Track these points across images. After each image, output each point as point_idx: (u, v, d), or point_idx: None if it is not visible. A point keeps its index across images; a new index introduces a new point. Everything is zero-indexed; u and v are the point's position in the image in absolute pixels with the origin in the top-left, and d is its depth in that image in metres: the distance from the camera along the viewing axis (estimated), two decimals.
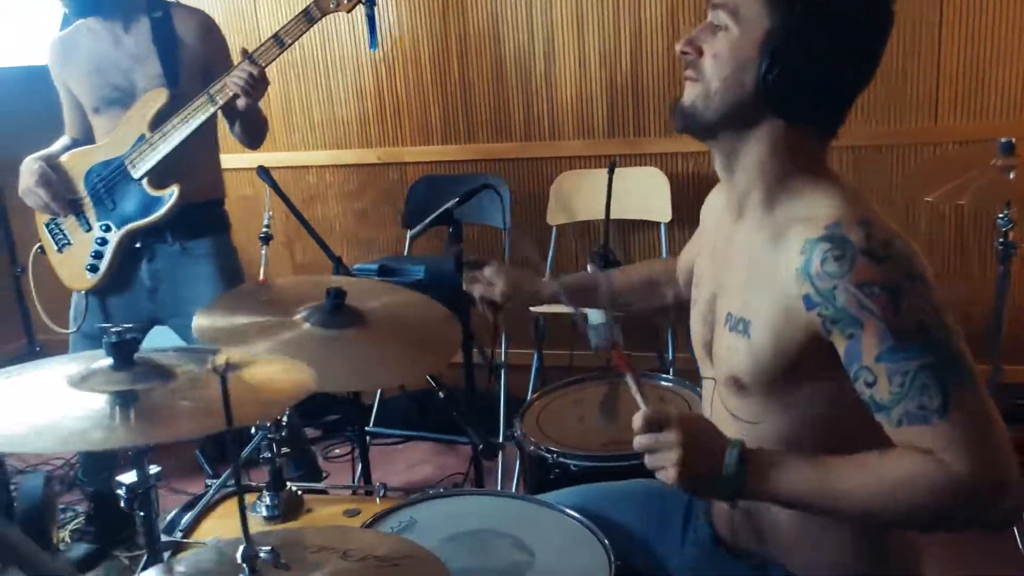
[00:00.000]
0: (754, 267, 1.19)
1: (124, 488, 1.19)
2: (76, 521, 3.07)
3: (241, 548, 0.93)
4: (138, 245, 2.53)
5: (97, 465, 2.85)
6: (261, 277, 3.66)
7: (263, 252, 3.44)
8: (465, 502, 1.49)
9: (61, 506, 3.16)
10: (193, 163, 2.53)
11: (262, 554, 0.92)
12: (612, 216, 3.20)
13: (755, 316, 1.17)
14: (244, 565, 0.92)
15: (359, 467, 2.63)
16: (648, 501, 1.48)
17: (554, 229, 3.17)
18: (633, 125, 3.16)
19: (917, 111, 2.94)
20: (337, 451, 3.41)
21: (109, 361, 1.17)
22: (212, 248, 2.58)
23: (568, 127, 3.24)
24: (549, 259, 3.18)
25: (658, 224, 3.09)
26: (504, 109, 3.28)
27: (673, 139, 3.08)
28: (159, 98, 2.46)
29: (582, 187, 3.11)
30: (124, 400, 1.14)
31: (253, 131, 2.62)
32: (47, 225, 2.56)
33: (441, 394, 1.89)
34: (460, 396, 2.76)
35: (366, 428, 3.13)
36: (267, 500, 1.75)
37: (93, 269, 2.52)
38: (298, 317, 1.77)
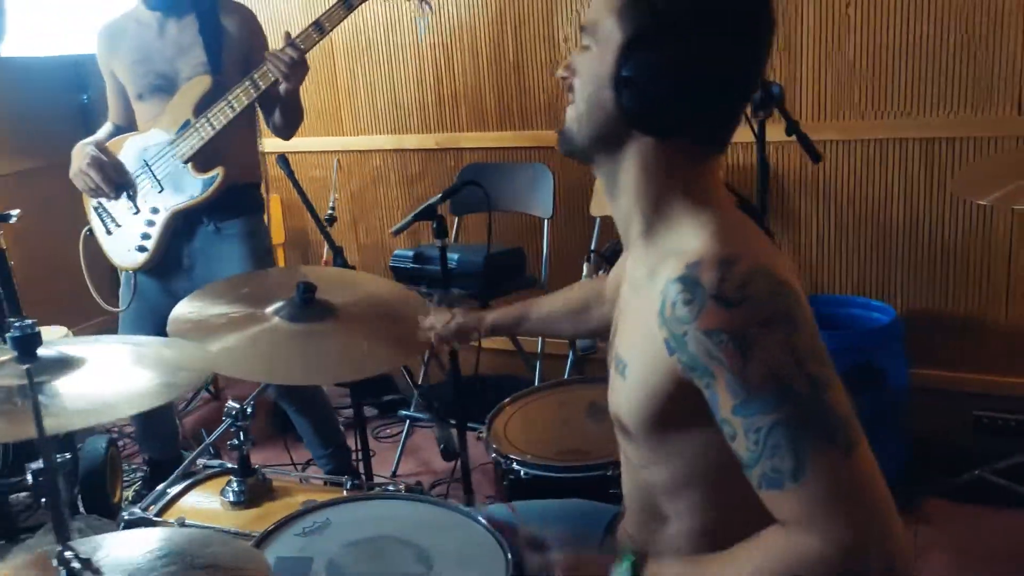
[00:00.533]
0: (635, 303, 1.13)
1: (31, 473, 1.25)
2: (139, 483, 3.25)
3: (56, 551, 0.96)
4: (180, 227, 2.64)
5: (149, 431, 3.02)
6: (325, 258, 3.77)
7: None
8: (387, 506, 1.49)
9: (133, 466, 3.36)
10: (232, 148, 2.61)
11: (73, 560, 0.94)
12: None
13: (631, 358, 1.10)
14: (61, 568, 0.95)
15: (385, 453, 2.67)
16: (573, 521, 1.44)
17: (597, 220, 3.11)
18: None
19: (999, 99, 2.68)
20: (388, 431, 3.48)
21: (13, 354, 1.23)
22: (243, 228, 2.66)
23: None
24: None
25: None
26: (557, 95, 3.23)
27: None
28: (203, 84, 2.54)
29: None
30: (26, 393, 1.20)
31: (290, 119, 2.67)
32: (95, 208, 2.69)
33: (416, 391, 1.88)
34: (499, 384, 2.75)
35: (406, 413, 3.18)
36: (234, 486, 1.80)
37: (142, 250, 2.64)
38: (269, 311, 1.81)
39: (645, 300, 1.06)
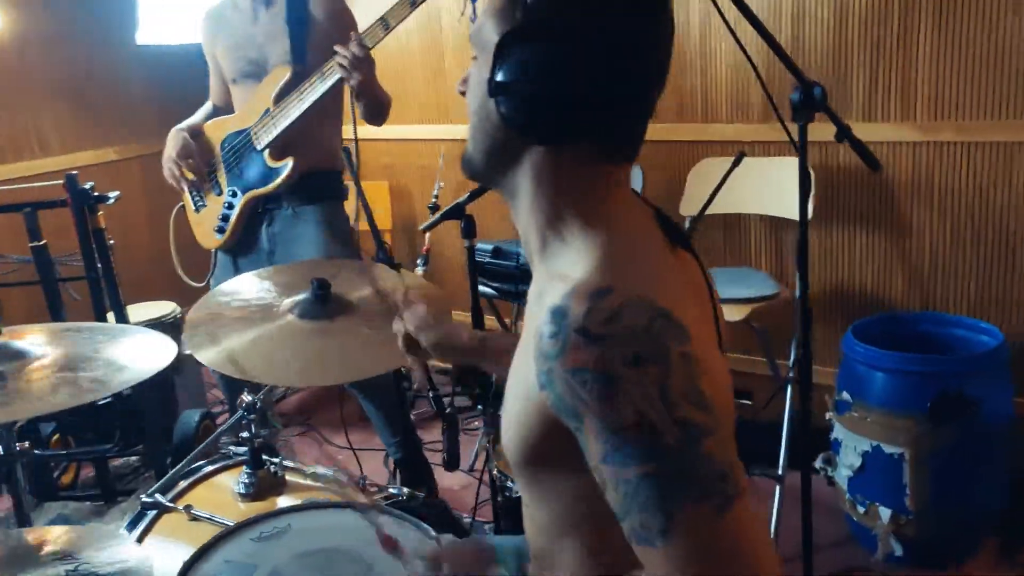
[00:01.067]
0: (524, 332, 1.04)
1: None
2: None
3: None
4: (260, 210, 2.72)
5: (236, 406, 3.13)
6: (426, 247, 3.79)
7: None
8: (353, 516, 1.46)
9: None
10: (311, 136, 2.65)
11: None
12: (752, 211, 2.94)
13: (510, 388, 1.01)
14: None
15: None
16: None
17: (688, 220, 2.94)
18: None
19: None
20: (476, 423, 3.46)
21: None
22: (321, 214, 2.69)
23: (722, 108, 2.98)
24: None
25: (796, 224, 2.76)
26: None
27: (825, 125, 2.72)
28: (283, 74, 2.60)
29: (719, 176, 2.85)
30: None
31: (370, 109, 2.67)
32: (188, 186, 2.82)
33: (431, 392, 1.83)
34: None
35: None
36: (244, 477, 1.82)
37: (220, 230, 2.75)
38: (283, 307, 1.81)
39: (530, 327, 0.98)
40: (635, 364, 0.84)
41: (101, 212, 2.80)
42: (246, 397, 1.83)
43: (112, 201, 2.79)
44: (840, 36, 2.70)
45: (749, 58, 1.73)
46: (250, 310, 1.81)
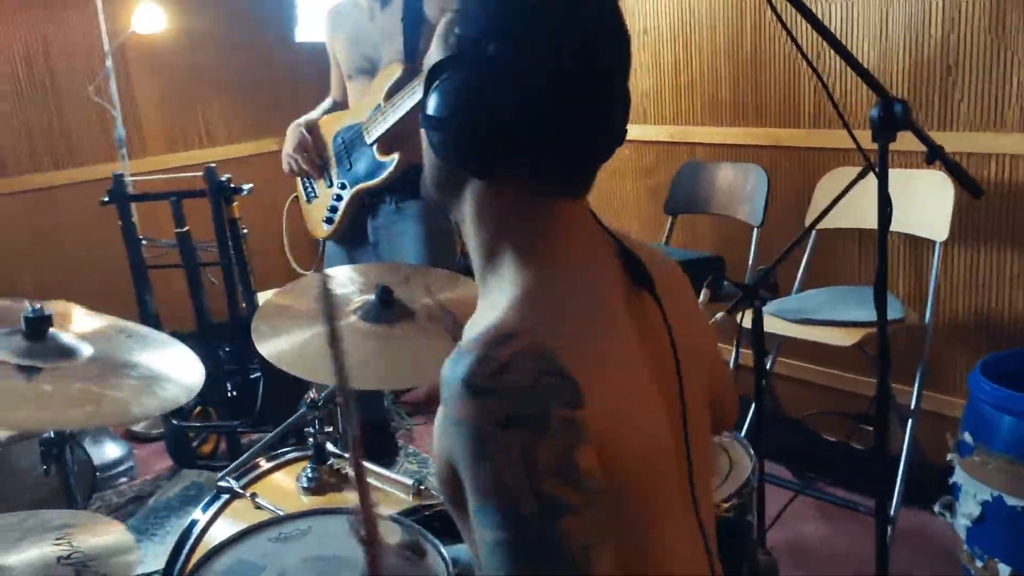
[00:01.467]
0: None
1: (42, 444, 1.39)
2: None
3: None
4: (366, 203, 2.79)
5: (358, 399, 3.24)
6: None
7: None
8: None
9: None
10: (416, 131, 2.68)
11: None
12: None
13: (436, 426, 0.98)
14: None
15: None
16: None
17: (813, 233, 2.75)
18: (939, 114, 2.58)
19: None
20: None
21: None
22: (421, 209, 2.74)
23: (860, 114, 2.76)
24: (802, 267, 2.77)
25: (931, 243, 2.52)
26: (792, 91, 2.90)
27: (978, 135, 2.47)
28: (394, 72, 2.66)
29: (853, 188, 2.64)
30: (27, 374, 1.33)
31: None
32: (301, 178, 2.93)
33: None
34: None
35: None
36: (308, 472, 1.87)
37: (329, 221, 2.85)
38: (350, 308, 1.84)
39: None
40: (505, 426, 0.81)
41: (236, 203, 2.97)
42: (312, 393, 1.88)
43: (246, 192, 2.95)
44: (998, 36, 2.44)
45: (810, 63, 1.61)
46: (314, 311, 1.85)
